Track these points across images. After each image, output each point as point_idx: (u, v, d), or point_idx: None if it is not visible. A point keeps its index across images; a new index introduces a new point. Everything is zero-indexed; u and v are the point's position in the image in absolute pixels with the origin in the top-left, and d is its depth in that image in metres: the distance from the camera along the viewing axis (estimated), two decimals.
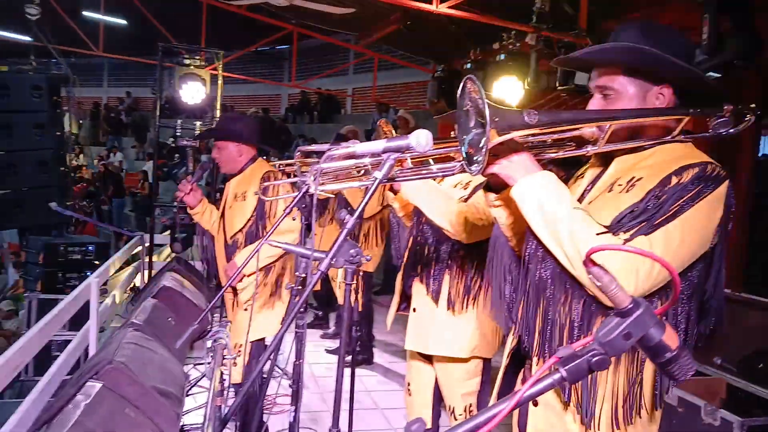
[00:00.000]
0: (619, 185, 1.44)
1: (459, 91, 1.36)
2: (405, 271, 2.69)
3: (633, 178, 1.42)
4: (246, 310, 3.20)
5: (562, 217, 1.31)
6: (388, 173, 1.56)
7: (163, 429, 3.01)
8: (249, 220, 3.24)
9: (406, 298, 2.73)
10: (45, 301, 6.06)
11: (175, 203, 8.11)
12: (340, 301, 5.40)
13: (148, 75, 16.28)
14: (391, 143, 1.51)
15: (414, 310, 2.57)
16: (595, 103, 1.50)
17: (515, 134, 1.27)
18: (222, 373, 1.66)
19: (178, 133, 7.02)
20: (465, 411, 2.58)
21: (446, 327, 2.47)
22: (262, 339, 3.29)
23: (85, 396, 2.76)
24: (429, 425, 2.73)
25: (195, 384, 4.16)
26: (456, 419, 2.58)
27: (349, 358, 5.04)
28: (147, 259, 6.44)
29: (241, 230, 3.25)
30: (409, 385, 2.78)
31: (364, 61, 13.58)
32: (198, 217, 3.54)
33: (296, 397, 2.07)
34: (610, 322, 0.80)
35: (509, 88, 6.24)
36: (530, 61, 6.14)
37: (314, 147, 2.63)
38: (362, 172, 4.38)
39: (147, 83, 17.34)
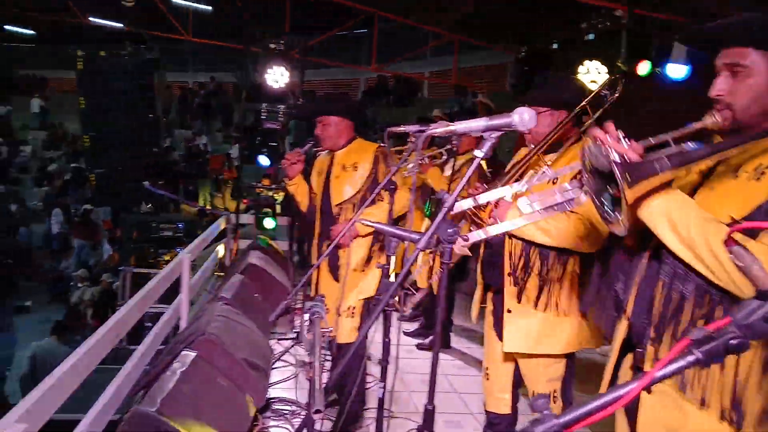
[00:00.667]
0: (746, 172, 1.36)
1: (583, 151, 1.36)
2: (485, 264, 2.65)
3: (760, 165, 1.34)
4: (356, 270, 3.32)
5: (697, 232, 1.28)
6: (490, 152, 1.53)
7: (251, 399, 3.13)
8: (359, 191, 3.30)
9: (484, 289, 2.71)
10: (138, 274, 6.43)
11: (259, 184, 8.38)
12: (420, 284, 5.41)
13: (233, 60, 16.76)
14: (493, 121, 1.48)
15: (509, 311, 2.49)
16: (723, 82, 1.41)
17: (649, 185, 1.27)
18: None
19: (263, 117, 7.21)
20: (549, 396, 2.52)
21: (547, 328, 2.41)
22: (371, 297, 3.38)
23: (181, 364, 2.91)
24: (508, 410, 2.70)
25: (279, 358, 4.29)
26: None
27: (427, 340, 5.07)
28: (233, 238, 6.68)
29: (350, 199, 3.32)
30: (487, 369, 2.75)
31: (443, 43, 13.42)
32: (293, 188, 3.65)
33: (385, 374, 2.09)
34: (749, 304, 0.76)
35: (594, 72, 6.02)
36: (621, 41, 5.88)
37: (403, 128, 2.62)
38: (443, 158, 4.31)
39: (231, 68, 17.86)
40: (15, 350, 9.04)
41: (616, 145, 1.32)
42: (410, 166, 3.58)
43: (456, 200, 1.46)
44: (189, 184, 11.83)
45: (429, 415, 1.46)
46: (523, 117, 1.46)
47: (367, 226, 2.18)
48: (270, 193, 7.46)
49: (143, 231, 6.48)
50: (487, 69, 14.49)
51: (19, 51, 22.79)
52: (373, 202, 3.25)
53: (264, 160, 6.67)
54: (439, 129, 1.56)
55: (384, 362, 2.08)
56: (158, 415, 2.40)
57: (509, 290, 2.46)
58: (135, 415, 2.42)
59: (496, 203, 2.34)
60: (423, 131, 2.20)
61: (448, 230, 1.49)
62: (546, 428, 0.72)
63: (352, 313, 3.32)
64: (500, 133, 1.51)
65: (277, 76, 6.98)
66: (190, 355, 2.98)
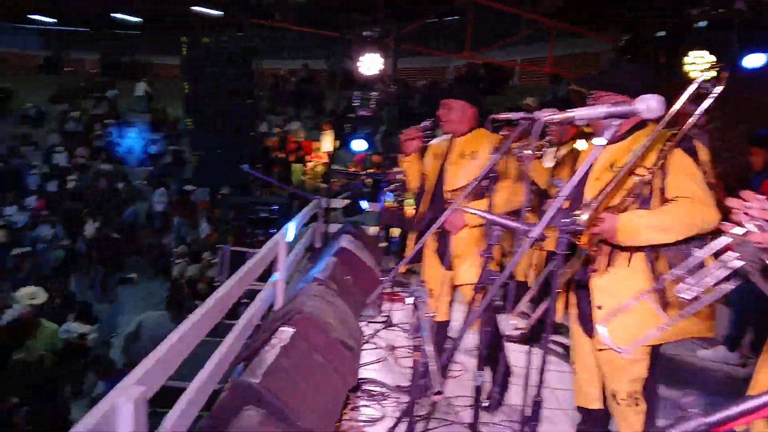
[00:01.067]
0: None
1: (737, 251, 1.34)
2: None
3: None
4: (458, 257, 3.32)
5: None
6: (611, 139, 1.49)
7: (345, 379, 3.21)
8: (474, 179, 3.28)
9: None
10: (236, 253, 6.71)
11: (353, 171, 8.52)
12: (518, 277, 5.32)
13: (326, 47, 17.03)
14: (616, 108, 1.44)
15: (599, 307, 2.37)
16: None
17: None
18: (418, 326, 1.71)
19: (354, 104, 7.31)
20: (629, 397, 2.39)
21: (643, 323, 2.31)
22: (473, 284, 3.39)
23: (280, 339, 3.02)
24: (598, 405, 2.62)
25: (368, 340, 4.37)
26: (618, 404, 2.43)
27: (517, 332, 4.99)
28: (323, 221, 6.84)
29: (463, 187, 3.30)
30: (574, 363, 2.67)
31: (537, 30, 13.06)
32: (406, 165, 3.63)
33: (482, 364, 2.09)
34: None
35: (702, 64, 5.67)
36: (734, 30, 5.51)
37: (507, 115, 2.58)
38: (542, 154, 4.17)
39: (324, 55, 18.17)
40: (119, 319, 9.73)
41: (760, 212, 1.26)
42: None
43: (571, 188, 1.42)
44: (281, 169, 12.20)
45: (536, 406, 1.45)
46: (650, 104, 1.40)
47: (472, 214, 2.17)
48: (360, 179, 7.58)
49: (240, 212, 6.76)
50: (583, 57, 13.98)
51: (126, 38, 24.17)
52: (481, 194, 3.21)
53: (358, 145, 6.77)
54: (557, 116, 1.52)
55: (483, 351, 2.08)
56: (260, 387, 2.51)
57: (598, 285, 2.38)
58: (238, 385, 2.54)
59: (597, 218, 2.24)
60: (530, 119, 2.16)
61: (564, 220, 1.46)
62: (693, 427, 0.70)
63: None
64: (621, 120, 1.46)
65: (370, 64, 7.04)
66: (288, 331, 3.09)
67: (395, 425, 2.15)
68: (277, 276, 4.48)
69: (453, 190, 3.32)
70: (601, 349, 2.44)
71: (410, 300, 1.74)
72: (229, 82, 7.61)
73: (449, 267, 3.39)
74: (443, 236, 3.33)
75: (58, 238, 12.64)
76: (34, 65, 24.14)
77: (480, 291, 2.23)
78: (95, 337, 7.96)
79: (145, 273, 11.51)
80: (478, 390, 2.08)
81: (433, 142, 3.59)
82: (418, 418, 2.68)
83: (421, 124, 3.55)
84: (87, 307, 8.55)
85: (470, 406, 2.65)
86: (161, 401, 2.66)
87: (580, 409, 2.71)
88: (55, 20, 25.07)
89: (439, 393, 1.23)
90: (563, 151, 3.95)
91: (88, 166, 15.40)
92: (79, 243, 11.98)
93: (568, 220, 1.43)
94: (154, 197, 13.07)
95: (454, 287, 3.47)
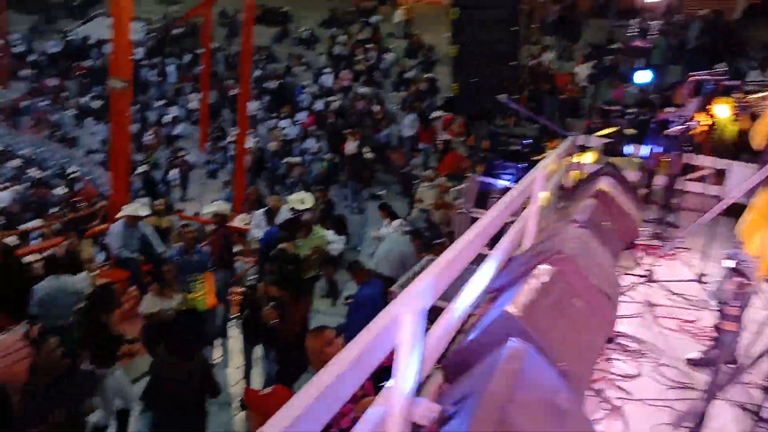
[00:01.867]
0: None
1: None
2: None
3: None
4: None
5: None
6: None
7: (602, 328, 3.09)
8: None
9: None
10: (482, 183, 6.76)
11: (615, 108, 7.91)
12: None
13: None
14: None
15: None
16: None
17: None
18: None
19: (629, 33, 6.68)
20: None
21: None
22: None
23: (538, 277, 2.98)
24: None
25: (624, 293, 4.13)
26: None
27: None
28: (576, 159, 6.50)
29: None
30: None
31: None
32: None
33: None
34: None
35: None
36: None
37: None
38: None
39: None
40: (366, 230, 10.62)
41: None
42: None
43: None
44: (531, 101, 11.80)
45: None
46: None
47: None
48: (623, 118, 7.01)
49: (493, 142, 6.74)
50: None
51: None
52: None
53: (642, 76, 6.17)
54: None
55: None
56: (523, 321, 2.52)
57: None
58: (502, 316, 2.57)
59: None
60: None
61: None
62: None
63: None
64: None
65: None
66: (548, 270, 3.03)
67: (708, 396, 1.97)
68: (530, 211, 4.41)
69: None
70: None
71: (729, 263, 1.54)
72: (495, 9, 7.44)
73: None
74: None
75: (323, 152, 14.03)
76: None
77: None
78: (339, 247, 8.75)
79: (393, 191, 12.29)
80: None
81: None
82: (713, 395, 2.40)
83: None
84: (342, 220, 9.43)
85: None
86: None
87: None
88: None
89: None
90: None
91: (350, 88, 16.61)
92: (339, 158, 13.15)
93: None
94: (404, 122, 13.68)
95: None
